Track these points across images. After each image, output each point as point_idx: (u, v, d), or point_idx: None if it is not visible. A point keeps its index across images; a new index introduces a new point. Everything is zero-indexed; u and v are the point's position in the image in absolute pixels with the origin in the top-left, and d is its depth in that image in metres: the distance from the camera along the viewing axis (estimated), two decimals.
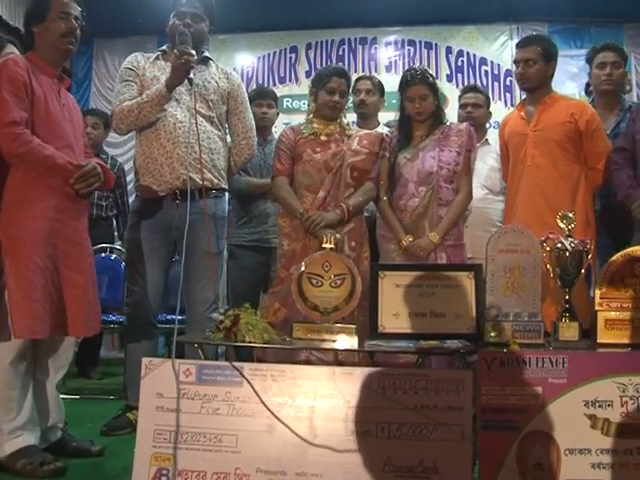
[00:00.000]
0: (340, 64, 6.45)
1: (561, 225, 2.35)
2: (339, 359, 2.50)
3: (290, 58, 7.17)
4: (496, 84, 6.87)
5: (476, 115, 3.93)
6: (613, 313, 2.24)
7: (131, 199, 5.13)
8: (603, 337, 2.22)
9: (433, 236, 3.03)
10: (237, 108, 3.35)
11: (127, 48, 6.97)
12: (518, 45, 3.46)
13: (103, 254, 4.68)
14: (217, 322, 2.32)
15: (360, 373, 2.12)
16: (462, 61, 6.95)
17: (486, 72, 6.91)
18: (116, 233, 5.15)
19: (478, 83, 6.43)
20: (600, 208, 3.42)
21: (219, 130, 3.26)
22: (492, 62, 6.91)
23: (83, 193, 2.64)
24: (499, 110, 5.95)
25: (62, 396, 2.86)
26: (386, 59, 7.06)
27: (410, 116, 3.19)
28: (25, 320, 2.43)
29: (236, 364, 2.18)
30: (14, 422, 2.50)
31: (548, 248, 2.34)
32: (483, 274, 2.37)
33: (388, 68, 7.01)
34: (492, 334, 2.25)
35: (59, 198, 2.59)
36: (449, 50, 6.97)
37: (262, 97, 4.00)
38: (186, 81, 3.04)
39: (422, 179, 3.11)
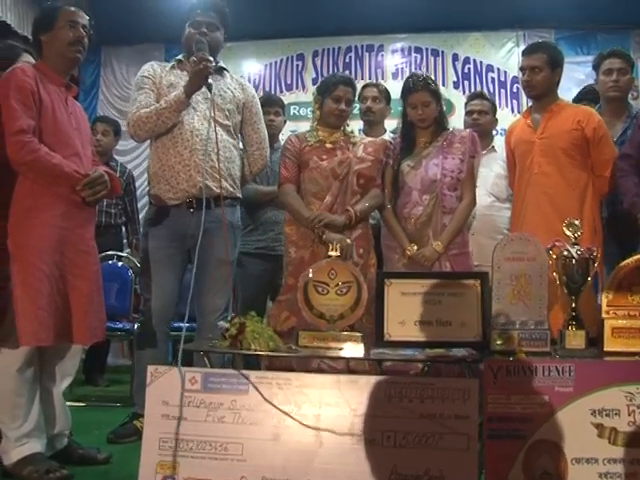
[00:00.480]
0: (346, 72, 6.50)
1: (567, 233, 2.35)
2: (350, 367, 2.50)
3: (297, 65, 7.20)
4: (503, 91, 6.86)
5: (482, 122, 3.93)
6: (620, 321, 2.23)
7: (140, 206, 5.19)
8: (610, 345, 2.22)
9: (437, 245, 3.03)
10: (251, 119, 3.37)
11: (135, 56, 7.06)
12: (524, 52, 3.45)
13: (111, 261, 4.68)
14: (223, 330, 2.32)
15: (366, 381, 2.12)
16: (469, 68, 6.95)
17: (493, 79, 6.91)
18: (125, 240, 5.15)
19: (485, 90, 6.42)
20: (607, 215, 3.41)
21: (234, 139, 3.28)
22: (499, 69, 6.91)
23: (90, 201, 2.65)
24: (506, 117, 5.97)
25: (69, 403, 2.86)
26: (393, 66, 7.07)
27: (413, 123, 3.19)
28: (31, 327, 2.43)
29: (242, 372, 2.18)
30: (21, 429, 2.50)
31: (554, 256, 2.33)
32: (489, 282, 2.37)
33: (395, 75, 7.01)
34: (498, 342, 2.25)
35: (67, 206, 2.61)
36: (455, 57, 6.97)
37: (269, 104, 4.00)
38: (203, 89, 3.05)
39: (426, 187, 3.10)
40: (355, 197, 3.10)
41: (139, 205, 5.20)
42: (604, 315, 2.25)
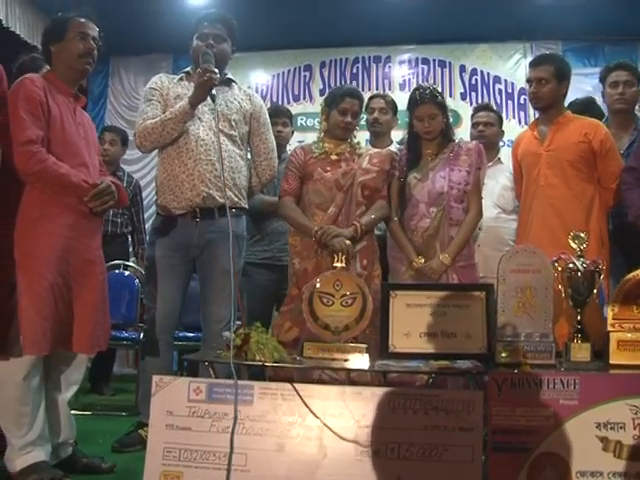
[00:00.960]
0: (354, 83, 6.52)
1: (573, 245, 2.35)
2: (352, 378, 2.50)
3: (304, 76, 7.22)
4: (510, 102, 6.87)
5: (488, 134, 3.94)
6: (626, 334, 2.23)
7: (147, 215, 5.21)
8: (615, 358, 2.21)
9: (444, 258, 3.03)
10: (259, 129, 3.38)
11: (143, 66, 7.11)
12: (531, 64, 3.46)
13: (117, 271, 4.69)
14: (227, 341, 2.32)
15: (370, 393, 2.12)
16: (476, 79, 6.96)
17: (500, 90, 6.91)
18: (131, 250, 5.16)
19: (492, 101, 6.45)
20: (613, 228, 3.39)
21: (241, 150, 3.29)
22: (506, 80, 6.91)
23: (97, 211, 2.66)
24: (513, 128, 5.98)
25: (74, 412, 2.87)
26: (400, 77, 7.09)
27: (419, 135, 3.20)
28: (35, 337, 2.44)
29: (246, 383, 2.18)
30: (26, 437, 2.50)
31: (560, 268, 2.33)
32: (494, 294, 2.37)
33: (402, 86, 7.03)
34: (503, 354, 2.25)
35: (74, 216, 2.62)
36: (463, 68, 6.98)
37: (277, 115, 4.01)
38: (208, 100, 3.07)
39: (433, 200, 3.11)
40: (360, 208, 3.10)
41: (146, 215, 5.23)
42: (610, 328, 2.25)
